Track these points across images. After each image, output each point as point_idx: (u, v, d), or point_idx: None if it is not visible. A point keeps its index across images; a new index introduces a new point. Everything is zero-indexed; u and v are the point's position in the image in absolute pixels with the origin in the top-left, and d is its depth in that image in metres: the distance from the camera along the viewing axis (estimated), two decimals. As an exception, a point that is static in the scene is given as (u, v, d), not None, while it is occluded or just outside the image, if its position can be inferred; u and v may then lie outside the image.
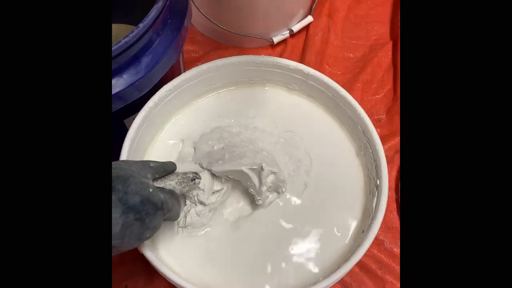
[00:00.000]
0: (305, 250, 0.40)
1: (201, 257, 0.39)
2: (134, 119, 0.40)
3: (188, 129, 0.45)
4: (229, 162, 0.39)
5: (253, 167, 0.39)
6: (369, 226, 0.37)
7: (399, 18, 0.70)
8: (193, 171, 0.38)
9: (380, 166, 0.39)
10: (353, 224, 0.41)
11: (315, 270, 0.39)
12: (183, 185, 0.36)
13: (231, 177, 0.40)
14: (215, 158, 0.40)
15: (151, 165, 0.35)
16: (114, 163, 0.31)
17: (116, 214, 0.29)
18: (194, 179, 0.37)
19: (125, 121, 0.43)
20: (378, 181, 0.39)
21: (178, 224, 0.39)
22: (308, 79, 0.44)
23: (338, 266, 0.37)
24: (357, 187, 0.43)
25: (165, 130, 0.45)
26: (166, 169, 0.36)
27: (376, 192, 0.39)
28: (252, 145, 0.41)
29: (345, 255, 0.39)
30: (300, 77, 0.44)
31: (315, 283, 0.35)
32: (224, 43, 0.68)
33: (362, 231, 0.39)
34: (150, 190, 0.31)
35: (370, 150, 0.41)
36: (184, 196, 0.39)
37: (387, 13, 0.73)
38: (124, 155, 0.39)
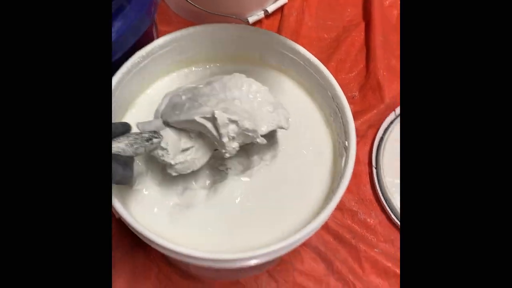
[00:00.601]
0: (277, 211, 0.41)
1: (170, 220, 0.40)
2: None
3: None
4: (186, 112, 0.37)
5: (206, 116, 0.36)
6: (339, 184, 0.38)
7: (371, 0, 0.72)
8: (154, 130, 0.36)
9: (348, 128, 0.41)
10: (324, 186, 0.42)
11: (287, 230, 0.40)
12: (135, 146, 0.34)
13: (193, 129, 0.38)
14: (175, 110, 0.38)
15: None
16: None
17: None
18: (151, 139, 0.35)
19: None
20: (346, 142, 0.40)
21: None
22: (279, 47, 0.45)
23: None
24: (327, 152, 0.44)
25: (140, 99, 0.45)
26: (114, 131, 0.34)
27: (345, 153, 0.40)
28: (223, 94, 0.39)
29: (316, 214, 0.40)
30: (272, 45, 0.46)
31: (285, 239, 0.36)
32: (198, 23, 0.68)
33: (332, 191, 0.41)
34: None
35: (339, 115, 0.42)
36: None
37: (359, -5, 0.75)
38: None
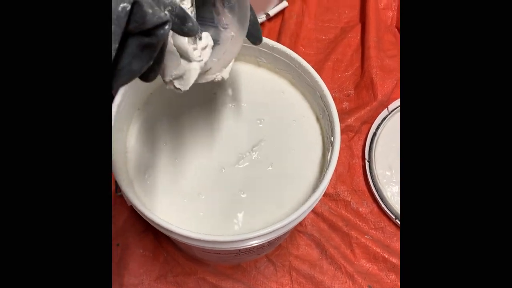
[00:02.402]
0: (271, 200, 0.46)
1: (176, 207, 0.45)
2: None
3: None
4: None
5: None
6: (324, 175, 0.43)
7: (367, 2, 0.75)
8: None
9: (333, 125, 0.45)
10: (314, 177, 0.47)
11: (279, 217, 0.45)
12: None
13: None
14: None
15: None
16: None
17: None
18: None
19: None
20: (332, 138, 0.45)
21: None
22: (274, 52, 0.50)
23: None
24: (317, 146, 0.49)
25: (146, 101, 0.51)
26: None
27: (331, 147, 0.45)
28: None
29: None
30: (266, 50, 0.50)
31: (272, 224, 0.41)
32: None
33: (320, 181, 0.45)
34: None
35: (327, 113, 0.47)
36: None
37: (357, -3, 0.79)
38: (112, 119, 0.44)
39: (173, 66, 0.34)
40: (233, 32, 0.39)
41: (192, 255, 0.58)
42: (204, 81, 0.39)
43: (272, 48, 0.49)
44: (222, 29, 0.39)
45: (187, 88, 0.36)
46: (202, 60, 0.35)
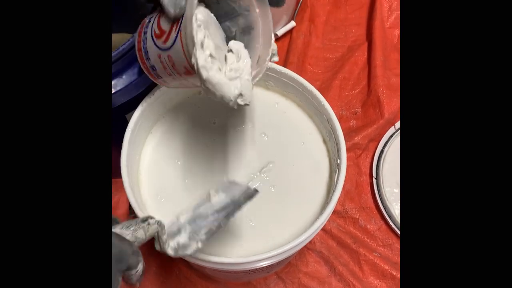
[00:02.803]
0: (280, 221, 0.47)
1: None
2: (133, 113, 0.48)
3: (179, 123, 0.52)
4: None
5: None
6: (331, 197, 0.44)
7: (373, 21, 0.77)
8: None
9: (340, 147, 0.46)
10: (321, 198, 0.48)
11: (287, 238, 0.46)
12: (132, 228, 0.34)
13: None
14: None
15: None
16: None
17: None
18: (146, 219, 0.35)
19: (126, 115, 0.51)
20: (339, 160, 0.46)
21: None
22: (282, 77, 0.52)
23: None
24: (324, 168, 0.50)
25: (158, 125, 0.52)
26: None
27: (337, 170, 0.46)
28: None
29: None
30: (275, 75, 0.52)
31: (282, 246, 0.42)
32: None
33: (327, 203, 0.46)
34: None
35: (333, 136, 0.48)
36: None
37: (363, 16, 0.81)
38: (125, 144, 0.46)
39: (230, 93, 0.37)
40: (257, 9, 0.41)
41: (203, 273, 0.60)
42: (261, 74, 0.41)
43: (280, 73, 0.51)
44: (246, 12, 0.42)
45: (250, 99, 0.39)
46: (244, 71, 0.38)
